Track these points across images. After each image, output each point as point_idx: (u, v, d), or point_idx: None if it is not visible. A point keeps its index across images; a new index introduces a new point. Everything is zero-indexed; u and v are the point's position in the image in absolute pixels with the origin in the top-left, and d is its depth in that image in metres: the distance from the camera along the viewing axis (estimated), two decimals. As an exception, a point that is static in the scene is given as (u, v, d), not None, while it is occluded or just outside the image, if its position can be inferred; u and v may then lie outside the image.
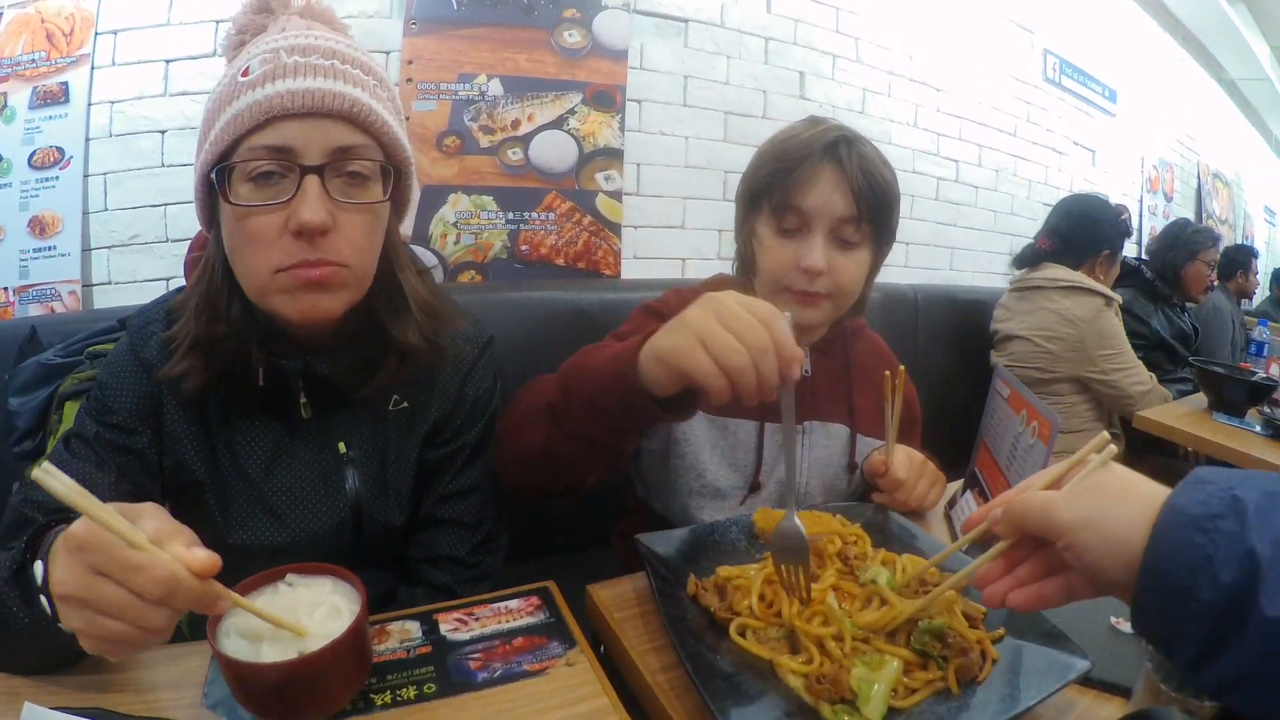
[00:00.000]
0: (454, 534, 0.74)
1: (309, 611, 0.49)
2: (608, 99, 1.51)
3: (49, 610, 0.45)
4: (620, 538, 1.02)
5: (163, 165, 1.42)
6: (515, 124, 1.44)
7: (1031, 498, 0.43)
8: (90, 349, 1.05)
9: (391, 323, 0.67)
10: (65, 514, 0.56)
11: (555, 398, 0.65)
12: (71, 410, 0.99)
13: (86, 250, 1.41)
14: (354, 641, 0.48)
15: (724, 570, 0.62)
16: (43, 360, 1.05)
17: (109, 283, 1.42)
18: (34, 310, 1.43)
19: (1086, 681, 0.53)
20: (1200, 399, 1.62)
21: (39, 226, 1.43)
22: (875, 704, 0.47)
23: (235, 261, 0.62)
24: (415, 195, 1.50)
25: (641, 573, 0.65)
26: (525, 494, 0.78)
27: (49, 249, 1.43)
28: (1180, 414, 1.54)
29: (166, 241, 1.42)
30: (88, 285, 1.42)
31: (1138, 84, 2.90)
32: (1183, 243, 2.10)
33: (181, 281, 1.42)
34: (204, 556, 0.43)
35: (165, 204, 1.41)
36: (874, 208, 0.79)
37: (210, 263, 0.64)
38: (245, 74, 0.58)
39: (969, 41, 2.07)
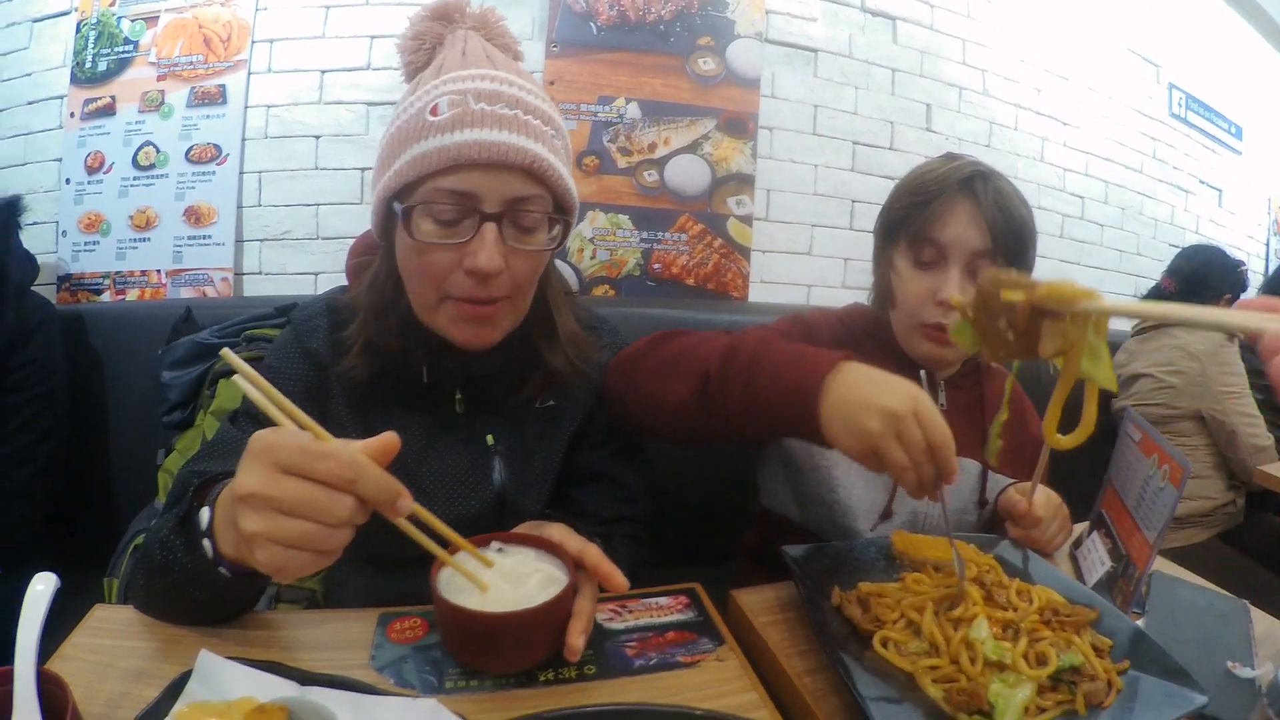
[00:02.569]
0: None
1: (519, 577, 0.59)
2: (740, 125, 1.64)
3: (211, 553, 0.52)
4: (744, 553, 1.14)
5: (316, 168, 1.61)
6: (652, 147, 1.59)
7: None
8: (248, 332, 1.18)
9: (543, 348, 0.78)
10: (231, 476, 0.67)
11: (715, 369, 0.72)
12: (225, 388, 1.14)
13: (239, 241, 1.62)
14: (563, 606, 0.56)
15: (865, 585, 0.70)
16: (199, 339, 1.21)
17: (259, 273, 1.62)
18: (185, 293, 1.64)
19: (1203, 718, 0.58)
20: (1325, 459, 1.67)
21: (194, 216, 1.65)
22: (1010, 718, 0.54)
23: (408, 282, 0.72)
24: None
25: (780, 582, 0.74)
26: (628, 426, 0.86)
27: (203, 237, 1.65)
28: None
29: (317, 239, 1.61)
30: (239, 273, 1.62)
31: (1265, 121, 2.91)
32: None
33: (329, 276, 1.64)
34: (383, 436, 0.47)
35: (317, 204, 1.61)
36: (1009, 242, 0.86)
37: (381, 274, 0.74)
38: (434, 113, 0.65)
39: (1095, 75, 2.13)
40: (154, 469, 1.18)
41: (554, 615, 0.56)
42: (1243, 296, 1.85)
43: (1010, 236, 0.87)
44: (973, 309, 0.52)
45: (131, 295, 1.67)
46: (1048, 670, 0.59)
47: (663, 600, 0.71)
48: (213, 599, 0.58)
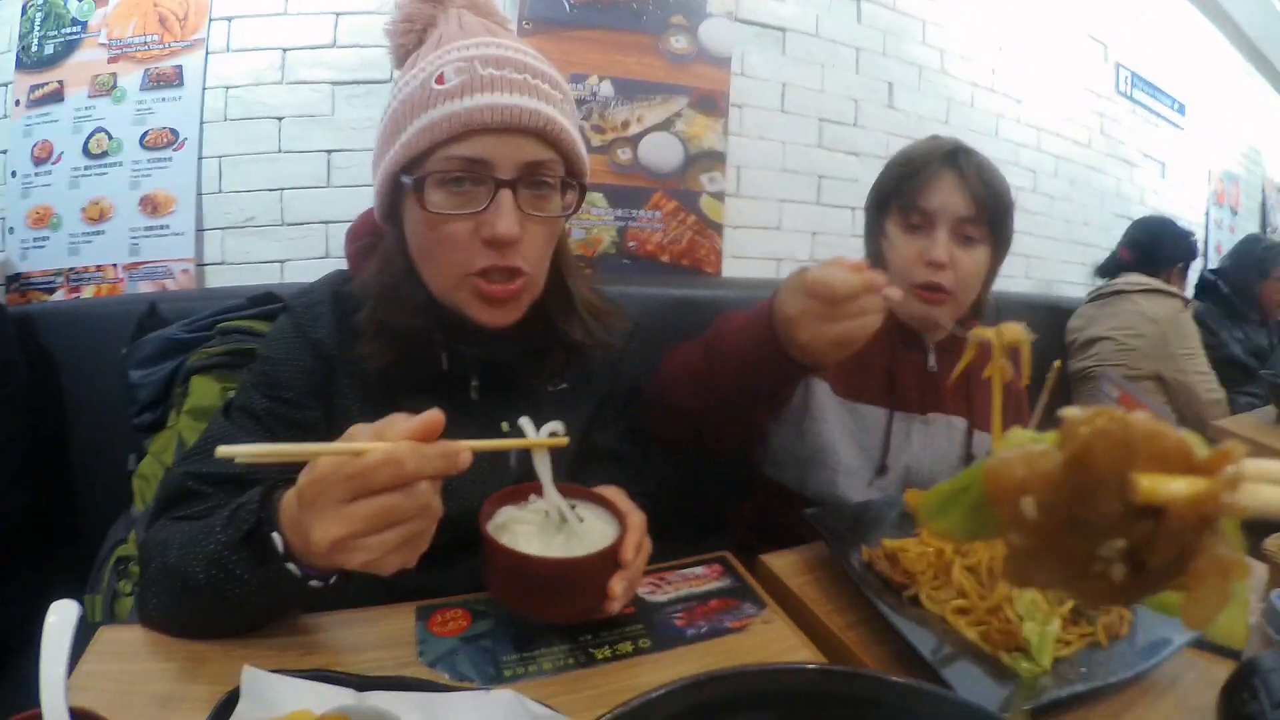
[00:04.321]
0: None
1: (571, 525, 0.60)
2: (712, 103, 1.67)
3: (298, 572, 0.53)
4: (739, 520, 1.19)
5: (279, 151, 1.58)
6: (625, 125, 1.61)
7: None
8: (221, 325, 1.13)
9: (561, 321, 0.76)
10: (243, 481, 0.62)
11: (701, 366, 0.79)
12: (199, 384, 1.08)
13: (200, 230, 1.57)
14: (616, 553, 0.58)
15: (888, 542, 0.74)
16: (167, 335, 1.15)
17: (222, 263, 1.58)
18: (143, 287, 1.59)
19: (1201, 645, 0.65)
20: (1270, 411, 1.81)
21: (150, 205, 1.60)
22: (1044, 652, 0.60)
23: (422, 260, 0.70)
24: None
25: (804, 545, 0.79)
26: (673, 449, 0.92)
27: (161, 228, 1.60)
28: (1250, 424, 1.66)
29: (282, 225, 1.58)
30: (201, 264, 1.57)
31: (1205, 97, 3.06)
32: (1255, 259, 2.25)
33: (296, 264, 1.62)
34: (426, 416, 0.47)
35: (282, 189, 1.57)
36: (990, 208, 0.95)
37: (390, 255, 0.72)
38: (440, 81, 0.64)
39: (1046, 54, 2.23)
40: (124, 475, 1.11)
41: (609, 562, 0.58)
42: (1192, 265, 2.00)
43: (991, 203, 0.96)
44: (1044, 502, 0.25)
45: (87, 292, 1.61)
46: (1068, 605, 0.64)
47: (698, 570, 0.75)
48: (278, 606, 0.57)
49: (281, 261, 1.60)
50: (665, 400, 0.88)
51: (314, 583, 0.54)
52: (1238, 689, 0.46)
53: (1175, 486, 0.22)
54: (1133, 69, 2.66)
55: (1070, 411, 0.26)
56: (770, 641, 0.63)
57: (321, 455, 0.46)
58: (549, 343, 0.78)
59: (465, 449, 0.48)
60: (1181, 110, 2.95)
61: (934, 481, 1.03)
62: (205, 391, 1.08)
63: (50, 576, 1.20)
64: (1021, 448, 0.26)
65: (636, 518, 0.63)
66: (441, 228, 0.66)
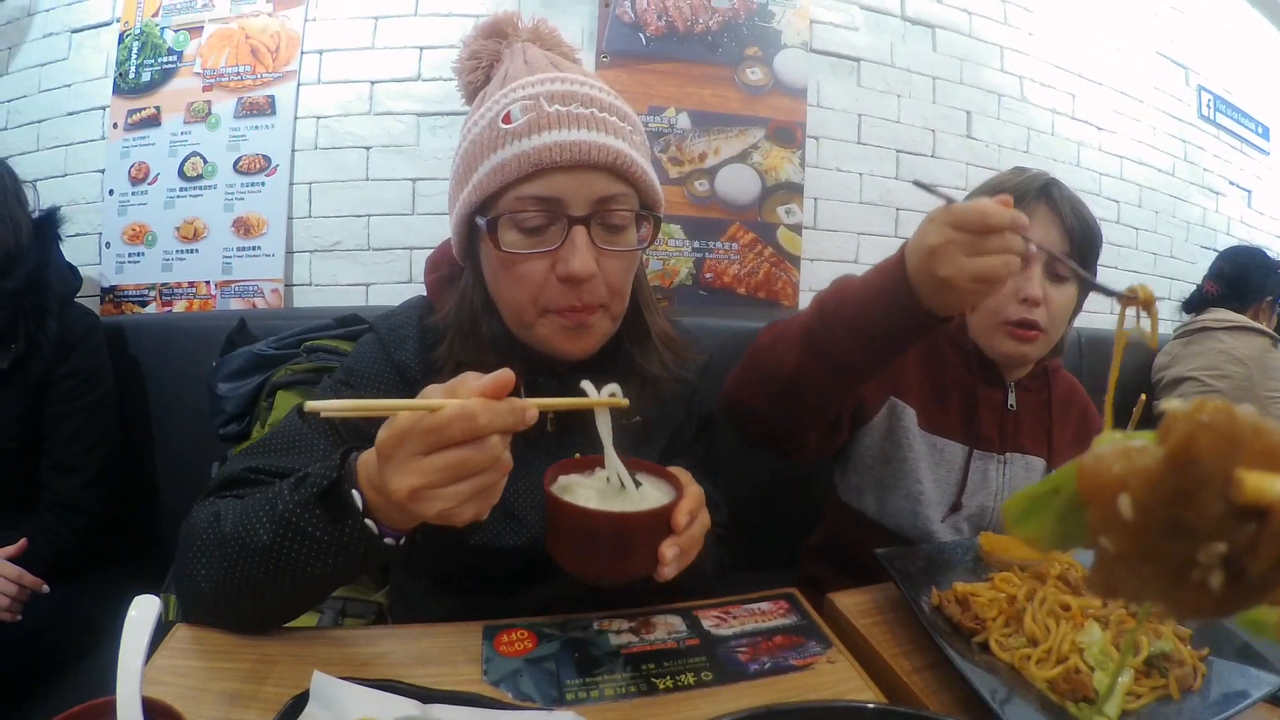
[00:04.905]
0: None
1: (630, 489, 0.61)
2: (788, 135, 1.68)
3: (376, 529, 0.54)
4: (809, 553, 1.20)
5: (367, 179, 1.65)
6: (702, 156, 1.63)
7: None
8: (307, 343, 1.19)
9: (638, 353, 0.77)
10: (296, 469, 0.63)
11: (812, 323, 0.76)
12: (283, 399, 1.14)
13: (290, 252, 1.65)
14: (669, 516, 0.58)
15: (960, 586, 0.73)
16: (255, 350, 1.21)
17: (309, 284, 1.65)
18: (234, 304, 1.67)
19: (1278, 700, 0.63)
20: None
21: (243, 227, 1.68)
22: (1114, 703, 0.59)
23: (499, 297, 0.71)
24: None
25: (873, 585, 0.78)
26: (751, 438, 0.90)
27: (253, 248, 1.68)
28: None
29: (368, 249, 1.64)
30: (289, 285, 1.65)
31: (1292, 119, 2.98)
32: None
33: (380, 288, 1.67)
34: (496, 375, 0.49)
35: (368, 215, 1.64)
36: (1083, 244, 0.93)
37: (468, 293, 0.74)
38: (507, 120, 0.65)
39: (1127, 79, 2.17)
40: (206, 483, 1.19)
41: (662, 524, 0.58)
42: None
43: (1085, 238, 0.94)
44: (1141, 502, 0.24)
45: (179, 307, 1.69)
46: (1141, 657, 0.63)
47: (764, 606, 0.74)
48: (343, 569, 0.57)
49: (366, 285, 1.66)
50: (759, 370, 0.85)
51: (388, 540, 0.56)
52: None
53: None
54: (1215, 92, 2.57)
55: (1172, 404, 0.24)
56: (834, 681, 0.62)
57: (400, 411, 0.48)
58: (625, 375, 0.77)
59: (533, 405, 0.50)
60: (1266, 134, 2.83)
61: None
62: (288, 406, 1.12)
63: (124, 577, 1.26)
64: (1118, 444, 0.24)
65: (694, 489, 0.63)
66: (517, 267, 0.67)
